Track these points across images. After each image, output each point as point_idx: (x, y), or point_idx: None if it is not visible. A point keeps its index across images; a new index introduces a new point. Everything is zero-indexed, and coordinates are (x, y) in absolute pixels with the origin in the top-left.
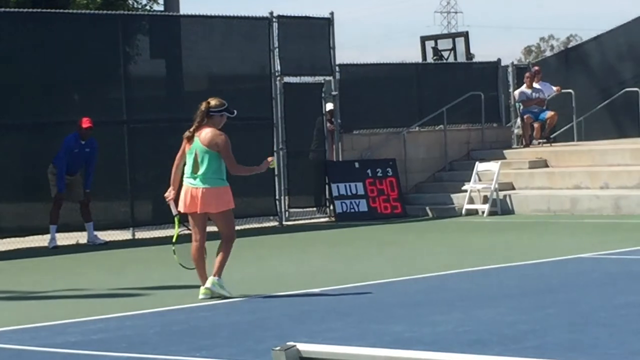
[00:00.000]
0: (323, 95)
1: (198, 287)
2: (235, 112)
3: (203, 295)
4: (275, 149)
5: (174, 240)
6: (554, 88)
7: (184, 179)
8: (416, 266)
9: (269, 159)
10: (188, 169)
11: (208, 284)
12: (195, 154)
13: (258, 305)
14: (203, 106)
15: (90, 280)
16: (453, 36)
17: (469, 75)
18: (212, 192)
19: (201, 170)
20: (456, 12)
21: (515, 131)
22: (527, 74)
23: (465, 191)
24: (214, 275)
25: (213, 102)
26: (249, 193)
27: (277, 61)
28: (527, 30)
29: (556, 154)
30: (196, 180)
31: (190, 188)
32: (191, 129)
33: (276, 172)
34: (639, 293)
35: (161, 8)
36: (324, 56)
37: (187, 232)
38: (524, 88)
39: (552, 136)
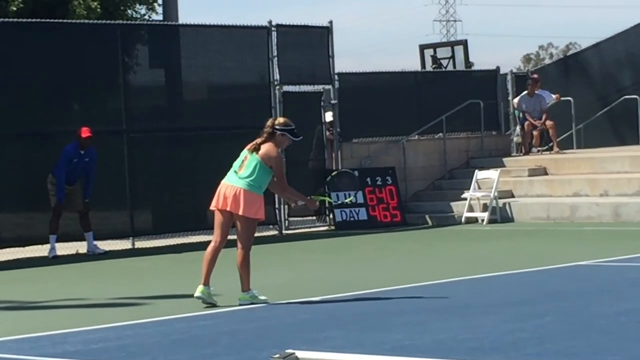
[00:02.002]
0: (322, 104)
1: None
2: (301, 137)
3: (199, 294)
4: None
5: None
6: (553, 96)
7: (226, 176)
8: (416, 274)
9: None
10: (233, 167)
11: (240, 301)
12: (246, 157)
13: (258, 313)
14: (270, 122)
15: (90, 290)
16: (452, 44)
17: (468, 84)
18: (246, 194)
19: (244, 173)
20: (455, 21)
21: (515, 139)
22: (530, 81)
23: (465, 199)
24: (244, 291)
25: (279, 120)
26: None
27: (276, 70)
28: (526, 39)
29: (555, 161)
30: (235, 179)
31: (226, 186)
32: (258, 142)
33: None
34: (637, 300)
35: (160, 18)
36: (323, 65)
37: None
38: (525, 95)
39: (550, 144)
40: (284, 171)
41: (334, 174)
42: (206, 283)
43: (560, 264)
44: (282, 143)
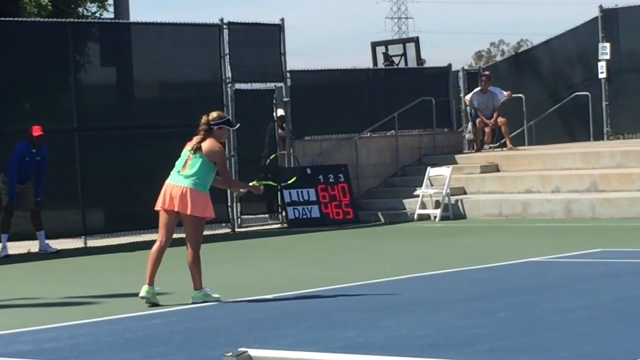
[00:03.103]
0: (274, 101)
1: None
2: (238, 125)
3: (144, 294)
4: (227, 155)
5: (266, 182)
6: (505, 93)
7: (170, 176)
8: (368, 271)
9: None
10: (176, 167)
11: (193, 299)
12: (189, 156)
13: (211, 312)
14: (204, 119)
15: (42, 289)
16: (404, 42)
17: (419, 81)
18: (192, 193)
19: (188, 171)
20: (407, 18)
21: (467, 136)
22: (483, 77)
23: (417, 196)
24: (196, 290)
25: (213, 115)
26: None
27: (228, 68)
28: (478, 36)
29: (507, 158)
30: (180, 178)
31: (171, 186)
32: (197, 140)
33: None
34: (589, 296)
35: (111, 15)
36: (274, 63)
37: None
38: (478, 92)
39: (502, 140)
40: (227, 165)
41: (272, 157)
42: (151, 283)
43: (512, 261)
44: (222, 136)
